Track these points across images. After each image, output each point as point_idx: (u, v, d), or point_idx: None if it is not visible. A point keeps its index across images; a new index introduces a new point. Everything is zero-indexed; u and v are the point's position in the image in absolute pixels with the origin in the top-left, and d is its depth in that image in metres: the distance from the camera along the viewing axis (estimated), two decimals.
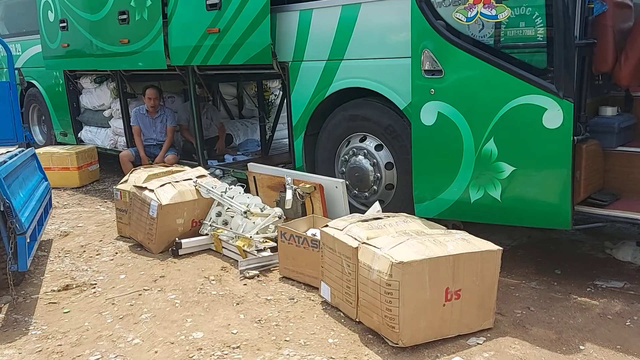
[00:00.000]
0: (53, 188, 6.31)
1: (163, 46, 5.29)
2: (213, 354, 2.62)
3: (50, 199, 4.36)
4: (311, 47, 4.31)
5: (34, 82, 7.93)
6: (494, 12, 2.99)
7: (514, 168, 3.09)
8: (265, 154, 6.30)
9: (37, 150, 6.57)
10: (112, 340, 2.78)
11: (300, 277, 3.45)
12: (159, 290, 3.42)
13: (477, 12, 3.03)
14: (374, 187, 4.16)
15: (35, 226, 3.30)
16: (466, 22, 3.11)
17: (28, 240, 2.92)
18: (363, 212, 4.13)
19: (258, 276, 3.58)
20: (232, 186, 4.28)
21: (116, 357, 2.62)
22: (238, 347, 2.69)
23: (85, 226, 4.89)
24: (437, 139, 3.38)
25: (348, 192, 4.30)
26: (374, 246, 2.73)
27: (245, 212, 3.80)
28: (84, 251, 4.18)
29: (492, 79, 3.07)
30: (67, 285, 3.49)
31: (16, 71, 4.35)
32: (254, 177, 4.59)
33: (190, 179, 4.31)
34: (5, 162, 3.15)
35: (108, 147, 6.94)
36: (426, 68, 3.33)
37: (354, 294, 2.85)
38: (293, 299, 3.24)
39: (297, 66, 4.45)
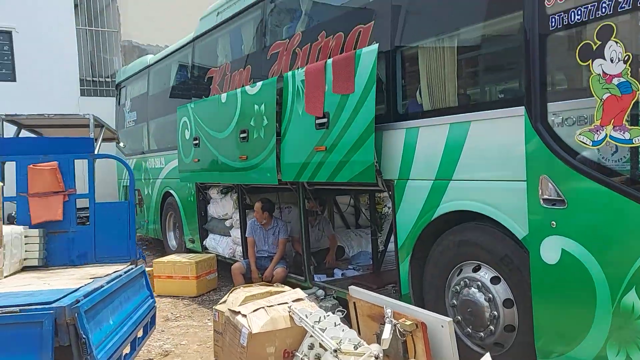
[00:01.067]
0: (172, 297, 6.55)
1: (275, 163, 5.36)
2: None
3: (153, 317, 4.37)
4: (417, 166, 4.01)
5: (172, 191, 8.58)
6: (627, 136, 2.46)
7: None
8: (377, 270, 5.92)
9: (162, 259, 6.93)
10: None
11: None
12: None
13: (606, 135, 2.53)
14: (490, 327, 3.55)
15: (121, 355, 3.23)
16: (592, 146, 2.60)
17: None
18: (479, 355, 3.54)
19: None
20: (329, 314, 3.94)
21: None
22: None
23: (188, 344, 4.82)
24: (562, 281, 2.78)
25: (461, 329, 3.74)
26: None
27: (335, 351, 3.40)
28: None
29: (629, 215, 2.47)
30: None
31: (137, 191, 4.60)
32: (354, 302, 4.21)
33: (286, 303, 4.06)
34: (95, 290, 3.18)
35: (227, 256, 7.08)
36: (545, 197, 2.83)
37: None
38: None
39: (403, 185, 4.15)
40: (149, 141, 9.55)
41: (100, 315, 3.14)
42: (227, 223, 7.13)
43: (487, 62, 3.79)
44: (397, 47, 4.17)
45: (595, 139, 2.57)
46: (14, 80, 11.85)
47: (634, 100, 2.41)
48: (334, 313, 4.32)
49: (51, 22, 11.94)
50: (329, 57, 4.66)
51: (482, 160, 3.49)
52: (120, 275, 3.85)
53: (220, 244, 7.35)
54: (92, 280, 3.58)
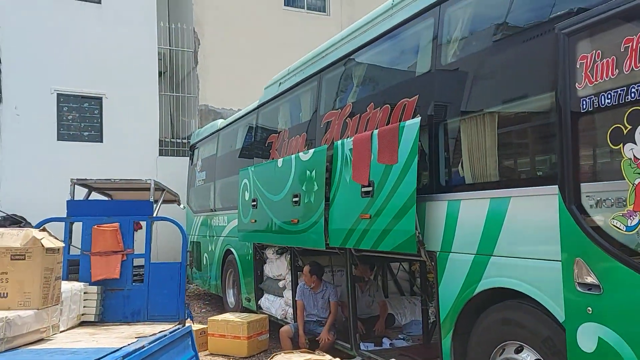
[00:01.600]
0: (224, 356, 6.64)
1: (323, 228, 5.45)
2: None
3: None
4: (459, 239, 3.96)
5: (232, 249, 8.86)
6: None
7: None
8: (427, 342, 5.73)
9: (216, 317, 7.09)
10: None
11: None
12: None
13: (639, 222, 2.43)
14: None
15: None
16: (626, 231, 2.50)
17: None
18: None
19: None
20: None
21: None
22: None
23: None
24: None
25: None
26: None
27: None
28: None
29: None
30: None
31: (187, 253, 4.84)
32: None
33: None
34: (135, 350, 3.34)
35: (279, 317, 7.13)
36: (580, 281, 2.71)
37: None
38: None
39: (445, 257, 4.09)
40: (215, 200, 10.01)
41: None
42: (281, 284, 7.23)
43: (526, 139, 3.76)
44: (440, 121, 4.24)
45: (629, 225, 2.47)
46: (102, 141, 12.91)
47: None
48: None
49: (138, 89, 13.04)
50: (376, 128, 4.78)
51: (521, 237, 3.41)
52: (165, 335, 4.01)
53: (274, 305, 7.42)
54: (136, 339, 3.75)
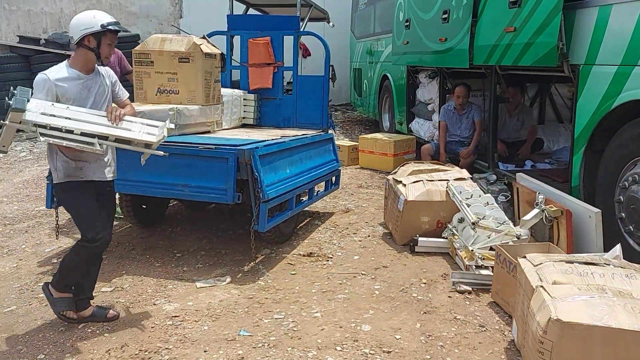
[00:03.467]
0: (372, 170, 7.25)
1: (468, 45, 5.30)
2: (362, 350, 2.73)
3: (337, 178, 5.10)
4: (605, 50, 3.63)
5: (388, 75, 9.03)
6: None
7: None
8: None
9: (366, 135, 7.62)
10: (302, 307, 3.21)
11: (506, 307, 3.12)
12: (372, 278, 3.66)
13: None
14: None
15: (291, 198, 4.00)
16: None
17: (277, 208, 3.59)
18: (638, 254, 3.36)
19: (470, 293, 3.40)
20: (485, 195, 4.08)
21: (293, 322, 3.03)
22: (388, 352, 2.72)
23: (368, 207, 5.48)
24: None
25: (623, 226, 3.53)
26: (548, 293, 2.29)
27: (473, 224, 3.61)
28: (347, 228, 4.75)
29: None
30: (311, 253, 4.10)
31: (330, 67, 5.15)
32: (517, 188, 4.23)
33: (447, 180, 4.31)
34: (275, 143, 3.93)
35: (426, 139, 7.38)
36: None
37: (528, 342, 2.46)
38: (483, 326, 2.98)
39: (587, 70, 3.82)
40: (375, 24, 9.98)
41: (277, 163, 3.90)
42: (430, 107, 7.35)
43: None
44: None
45: None
46: None
47: None
48: (498, 196, 4.44)
49: None
50: None
51: None
52: (306, 137, 4.57)
53: (423, 128, 7.64)
54: (280, 137, 4.36)
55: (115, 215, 4.62)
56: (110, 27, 2.79)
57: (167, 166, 3.58)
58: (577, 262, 2.56)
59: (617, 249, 2.87)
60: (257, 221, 3.55)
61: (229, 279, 3.58)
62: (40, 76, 2.71)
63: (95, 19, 2.79)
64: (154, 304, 3.23)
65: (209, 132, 4.44)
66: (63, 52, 9.64)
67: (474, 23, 5.24)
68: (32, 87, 2.69)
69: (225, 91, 4.87)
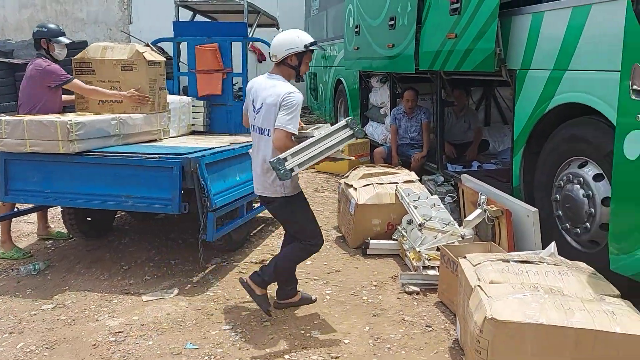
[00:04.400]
0: (328, 173, 7.29)
1: (414, 51, 5.42)
2: (311, 358, 2.75)
3: None
4: (538, 55, 3.78)
5: (342, 79, 9.12)
6: None
7: None
8: None
9: None
10: (252, 316, 3.20)
11: (451, 306, 3.20)
12: (324, 283, 3.69)
13: None
14: (587, 224, 3.43)
15: (242, 205, 3.99)
16: None
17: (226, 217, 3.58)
18: (578, 251, 3.51)
19: (418, 293, 3.47)
20: (432, 196, 4.18)
21: (242, 332, 3.02)
22: (336, 357, 2.75)
23: (323, 211, 5.52)
24: (639, 179, 2.60)
25: (560, 224, 3.68)
26: (485, 292, 2.37)
27: (420, 225, 3.69)
28: None
29: None
30: (264, 260, 4.09)
31: None
32: (462, 189, 4.35)
33: (396, 183, 4.39)
34: (223, 150, 3.91)
35: (380, 142, 7.49)
36: (635, 87, 2.58)
37: (468, 341, 2.53)
38: (429, 327, 3.05)
39: (524, 75, 3.96)
40: (327, 29, 10.07)
41: (226, 170, 3.88)
42: (382, 111, 7.47)
43: None
44: None
45: None
46: None
47: None
48: (445, 197, 4.55)
49: None
50: None
51: (598, 48, 3.20)
52: None
53: (377, 131, 7.75)
54: (230, 144, 4.34)
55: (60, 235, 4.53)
56: (312, 47, 3.03)
57: (110, 177, 3.52)
58: (513, 261, 2.66)
59: (552, 246, 2.99)
60: (204, 231, 3.53)
61: (176, 291, 3.54)
62: (299, 95, 2.92)
63: (299, 39, 3.02)
64: (97, 320, 3.16)
65: (155, 140, 4.39)
66: (6, 60, 9.31)
67: (418, 30, 5.37)
68: None
69: (172, 98, 4.82)
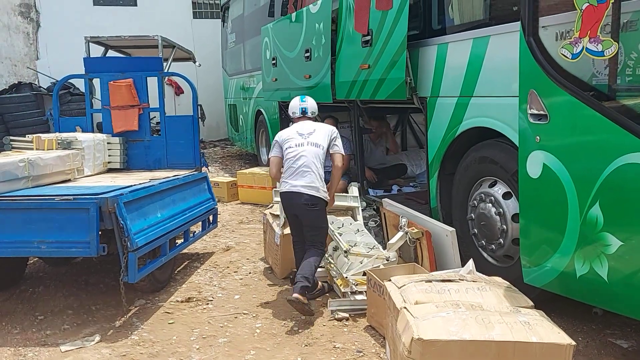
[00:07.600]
0: (252, 204, 7.25)
1: (330, 81, 5.59)
2: None
3: (214, 217, 5.04)
4: (446, 83, 4.04)
5: (262, 110, 9.17)
6: (599, 48, 2.37)
7: (621, 243, 2.39)
8: None
9: (244, 171, 7.63)
10: (180, 357, 3.10)
11: (381, 330, 3.27)
12: (253, 317, 3.65)
13: (583, 47, 2.44)
14: (500, 240, 3.65)
15: (164, 243, 3.88)
16: (571, 59, 2.53)
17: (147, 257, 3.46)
18: (494, 266, 3.70)
19: (347, 319, 3.51)
20: (356, 222, 4.27)
21: None
22: None
23: (249, 243, 5.47)
24: (542, 196, 2.82)
25: (476, 241, 3.88)
26: (411, 313, 2.45)
27: (345, 252, 3.76)
28: (228, 267, 4.70)
29: (597, 129, 2.44)
30: (189, 298, 3.99)
31: (199, 107, 5.14)
32: (384, 213, 4.49)
33: None
34: (142, 188, 3.80)
35: None
36: (531, 112, 2.82)
37: None
38: (361, 352, 3.09)
39: (434, 102, 4.21)
40: (245, 61, 10.13)
41: (146, 208, 3.77)
42: None
43: None
44: None
45: (574, 52, 2.49)
46: (135, 5, 12.96)
47: (607, 10, 2.30)
48: (368, 222, 4.65)
49: None
50: None
51: (498, 76, 3.47)
52: (177, 178, 4.48)
53: None
54: (149, 180, 4.23)
55: None
56: None
57: (20, 222, 3.32)
58: (435, 281, 2.78)
59: (470, 264, 3.14)
60: (126, 272, 3.39)
61: (98, 338, 3.36)
62: None
63: None
64: None
65: (69, 180, 4.20)
66: None
67: (333, 61, 5.55)
68: None
69: (85, 136, 4.65)
